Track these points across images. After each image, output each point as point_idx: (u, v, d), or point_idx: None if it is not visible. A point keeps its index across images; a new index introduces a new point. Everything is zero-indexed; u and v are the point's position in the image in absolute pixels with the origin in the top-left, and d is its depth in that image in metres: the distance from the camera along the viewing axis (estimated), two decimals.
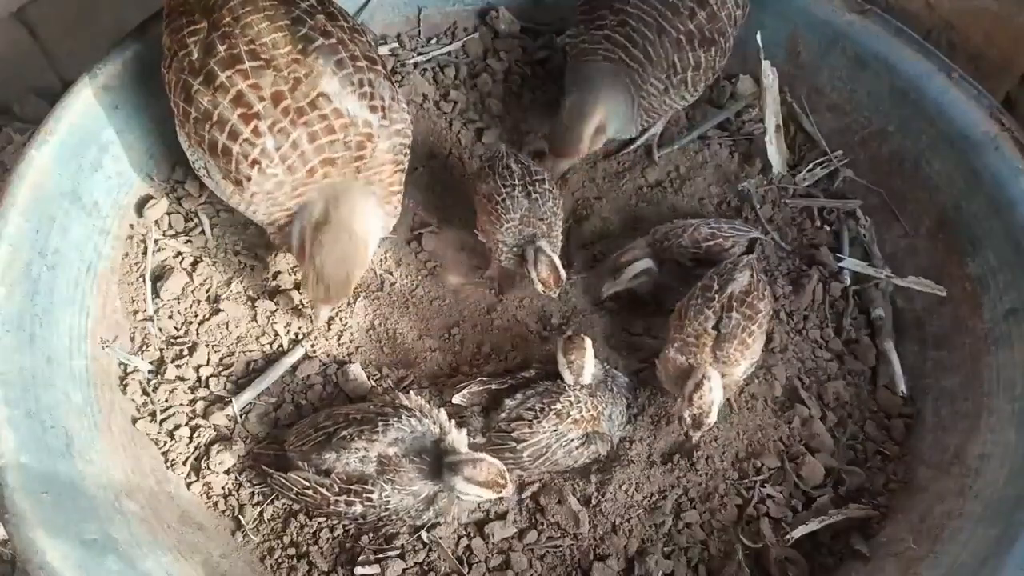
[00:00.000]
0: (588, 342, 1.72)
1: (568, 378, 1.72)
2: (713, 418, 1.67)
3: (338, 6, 1.69)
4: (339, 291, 1.66)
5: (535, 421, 1.69)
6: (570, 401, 1.71)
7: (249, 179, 1.56)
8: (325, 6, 1.65)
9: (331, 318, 1.92)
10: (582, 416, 1.71)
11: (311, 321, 1.88)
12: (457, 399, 1.76)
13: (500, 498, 1.65)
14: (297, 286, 1.94)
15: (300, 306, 1.91)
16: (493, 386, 1.77)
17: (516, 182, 1.88)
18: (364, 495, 1.59)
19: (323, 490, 1.60)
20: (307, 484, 1.61)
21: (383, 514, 1.63)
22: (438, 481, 1.62)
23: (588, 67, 1.93)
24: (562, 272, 1.85)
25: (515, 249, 1.88)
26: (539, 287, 1.85)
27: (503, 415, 1.73)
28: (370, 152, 1.60)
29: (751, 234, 1.97)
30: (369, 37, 1.69)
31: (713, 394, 1.66)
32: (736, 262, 1.80)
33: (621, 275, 1.90)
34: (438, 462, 1.62)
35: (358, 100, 1.57)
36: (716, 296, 1.73)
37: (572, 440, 1.72)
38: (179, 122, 1.63)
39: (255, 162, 1.55)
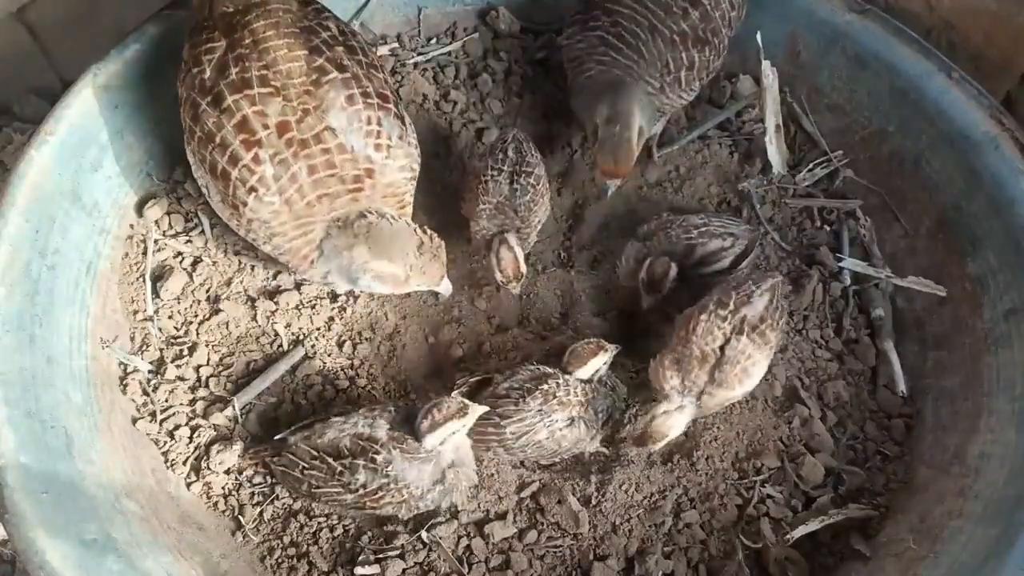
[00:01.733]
0: (609, 350, 1.74)
1: (569, 366, 1.74)
2: (658, 446, 1.68)
3: (360, 40, 1.69)
4: (437, 250, 1.68)
5: (520, 399, 1.69)
6: (558, 383, 1.71)
7: (245, 205, 1.56)
8: (346, 38, 1.65)
9: (331, 318, 1.92)
10: (568, 399, 1.71)
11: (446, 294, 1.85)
12: (455, 395, 1.75)
13: (465, 418, 1.60)
14: (299, 286, 1.94)
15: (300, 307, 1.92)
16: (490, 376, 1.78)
17: (504, 168, 1.89)
18: (370, 456, 1.58)
19: (329, 459, 1.59)
20: (314, 454, 1.60)
21: (383, 481, 1.60)
22: (443, 460, 1.63)
23: (605, 76, 1.90)
24: (523, 266, 1.86)
25: (483, 232, 1.89)
26: (498, 276, 1.86)
27: (490, 390, 1.73)
28: (369, 186, 1.60)
29: (740, 226, 1.96)
30: (385, 74, 1.68)
31: (673, 428, 1.65)
32: (759, 280, 1.72)
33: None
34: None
35: (364, 137, 1.57)
36: (729, 316, 1.66)
37: (556, 421, 1.70)
38: (186, 138, 1.63)
39: (252, 189, 1.54)
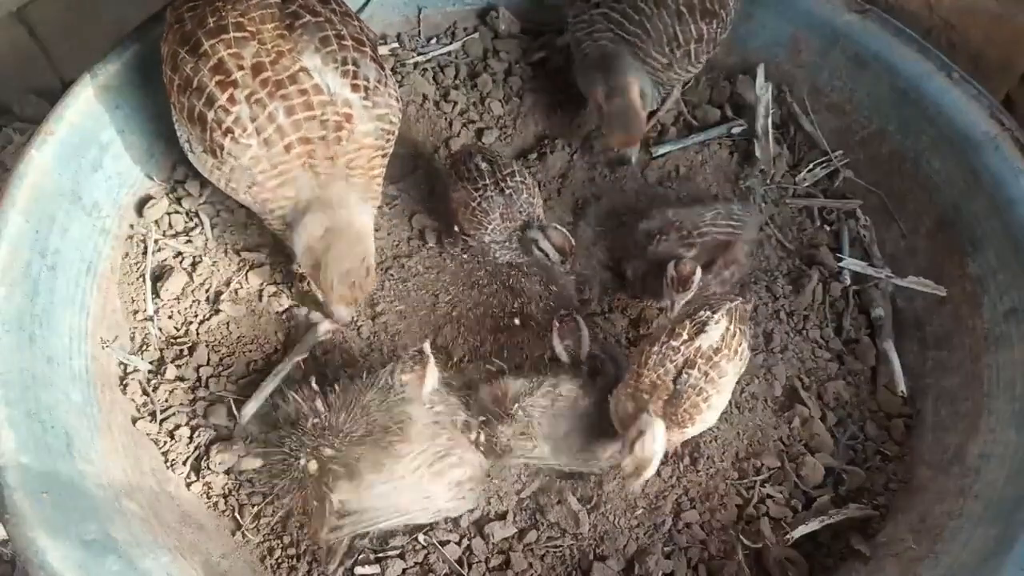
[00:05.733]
0: (570, 325, 1.77)
1: (563, 357, 1.78)
2: (652, 471, 1.58)
3: None
4: (363, 290, 1.67)
5: (548, 402, 1.70)
6: (580, 384, 1.72)
7: (223, 148, 1.56)
8: None
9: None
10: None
11: (329, 324, 1.87)
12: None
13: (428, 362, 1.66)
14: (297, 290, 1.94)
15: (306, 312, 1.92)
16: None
17: (487, 181, 1.88)
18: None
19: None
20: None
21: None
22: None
23: (598, 51, 1.93)
24: (571, 238, 1.87)
25: (506, 244, 1.90)
26: (554, 256, 1.86)
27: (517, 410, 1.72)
28: (347, 134, 1.60)
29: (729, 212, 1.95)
30: (361, 23, 1.69)
31: (655, 445, 1.55)
32: (716, 306, 1.61)
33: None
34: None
35: (340, 77, 1.57)
36: (682, 347, 1.56)
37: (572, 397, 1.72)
38: (168, 92, 1.64)
39: (228, 130, 1.55)
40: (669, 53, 1.91)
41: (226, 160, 1.58)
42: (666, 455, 1.78)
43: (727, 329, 1.59)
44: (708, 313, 1.60)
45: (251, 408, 1.79)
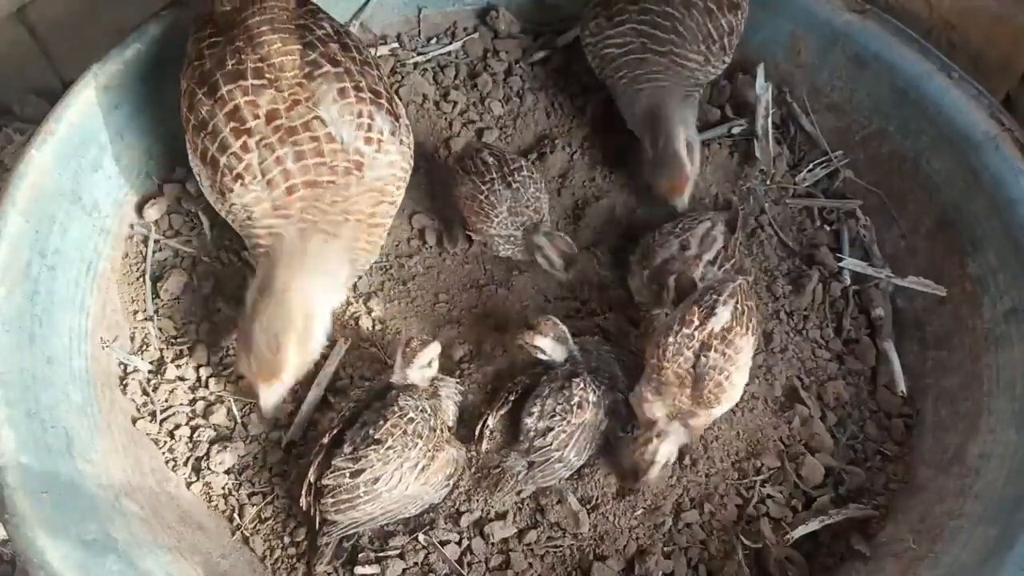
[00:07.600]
0: (551, 323, 1.74)
1: (557, 353, 1.76)
2: (653, 477, 1.62)
3: (355, 38, 1.70)
4: (267, 369, 1.59)
5: (564, 421, 1.69)
6: (581, 387, 1.71)
7: (231, 191, 1.57)
8: (340, 37, 1.66)
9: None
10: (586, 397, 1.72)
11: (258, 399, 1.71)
12: (486, 445, 1.75)
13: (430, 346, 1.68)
14: None
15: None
16: (503, 411, 1.77)
17: (494, 175, 1.90)
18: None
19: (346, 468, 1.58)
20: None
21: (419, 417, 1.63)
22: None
23: (644, 92, 1.95)
24: (574, 246, 1.89)
25: (510, 239, 1.91)
26: (558, 263, 1.88)
27: (529, 435, 1.71)
28: (356, 180, 1.60)
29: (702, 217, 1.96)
30: (380, 71, 1.69)
31: (660, 454, 1.60)
32: (721, 288, 1.65)
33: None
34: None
35: (354, 130, 1.57)
36: (696, 333, 1.60)
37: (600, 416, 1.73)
38: (184, 127, 1.65)
39: (239, 176, 1.56)
40: (705, 50, 1.93)
41: (230, 199, 1.59)
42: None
43: (736, 307, 1.62)
44: (714, 296, 1.63)
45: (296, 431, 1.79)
